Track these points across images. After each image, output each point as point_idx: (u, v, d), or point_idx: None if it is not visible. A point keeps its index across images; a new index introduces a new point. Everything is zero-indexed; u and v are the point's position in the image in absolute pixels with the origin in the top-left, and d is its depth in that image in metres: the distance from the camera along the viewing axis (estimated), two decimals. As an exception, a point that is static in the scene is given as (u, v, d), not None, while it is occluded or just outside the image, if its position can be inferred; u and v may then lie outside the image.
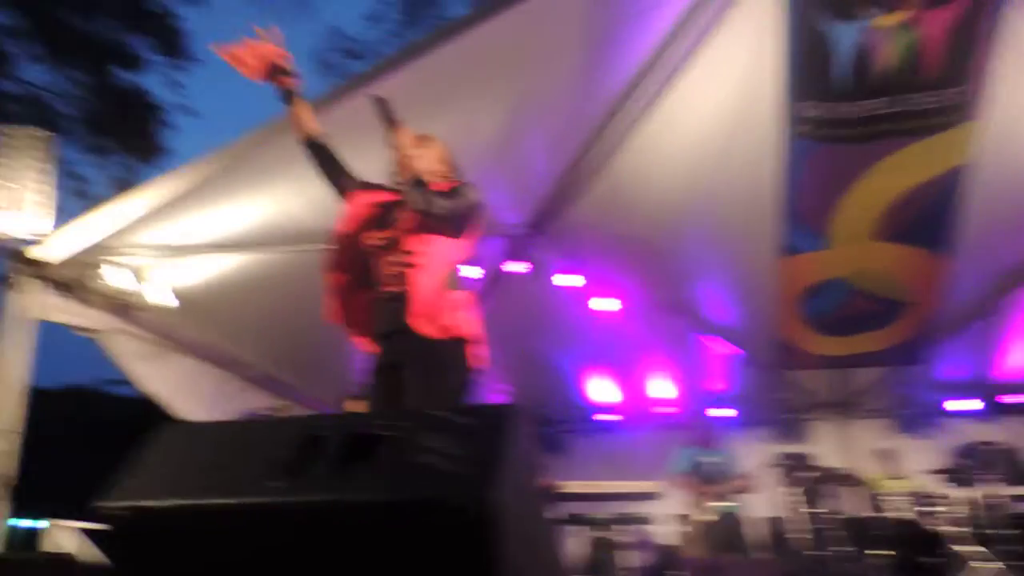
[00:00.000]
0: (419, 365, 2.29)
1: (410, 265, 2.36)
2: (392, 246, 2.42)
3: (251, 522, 1.34)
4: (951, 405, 7.13)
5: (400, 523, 1.30)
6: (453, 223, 2.41)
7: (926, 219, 4.98)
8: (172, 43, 15.76)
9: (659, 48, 4.44)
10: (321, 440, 1.45)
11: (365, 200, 2.52)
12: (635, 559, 6.16)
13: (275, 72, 2.42)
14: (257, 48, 2.39)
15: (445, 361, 2.30)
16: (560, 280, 6.08)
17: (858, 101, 4.28)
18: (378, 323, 2.44)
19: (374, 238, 2.46)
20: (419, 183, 2.34)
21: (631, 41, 4.33)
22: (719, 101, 4.70)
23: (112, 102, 15.01)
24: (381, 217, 2.48)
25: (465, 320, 2.40)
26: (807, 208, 4.98)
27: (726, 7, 4.22)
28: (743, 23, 4.27)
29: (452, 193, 2.43)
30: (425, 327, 2.30)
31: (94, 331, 4.56)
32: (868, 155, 4.60)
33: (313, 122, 2.55)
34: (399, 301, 2.33)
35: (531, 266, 6.18)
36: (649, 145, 5.10)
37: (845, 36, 4.02)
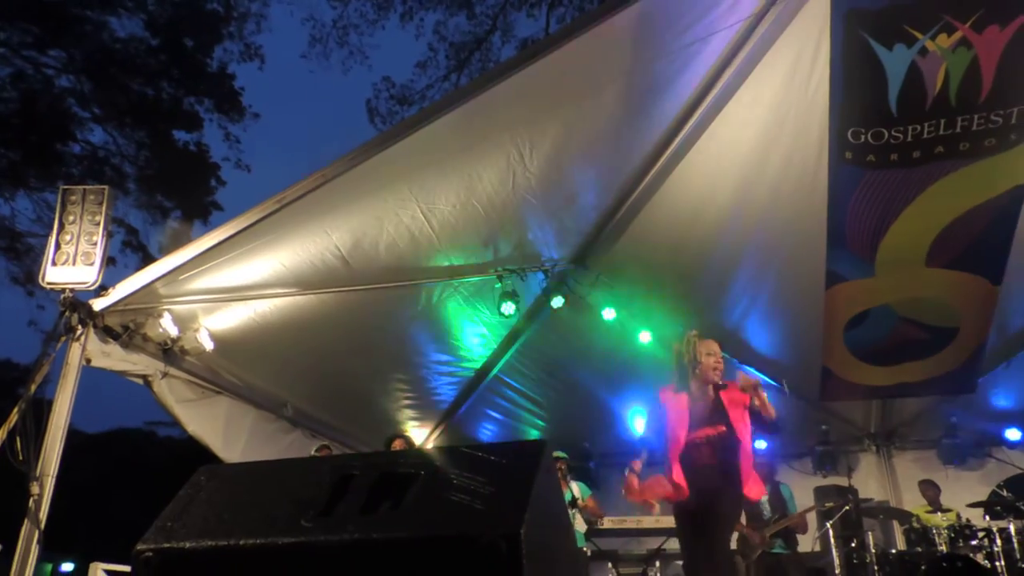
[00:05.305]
0: (726, 511, 3.53)
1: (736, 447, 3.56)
2: (713, 439, 3.60)
3: (285, 561, 1.36)
4: (999, 435, 6.92)
5: (432, 560, 1.30)
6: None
7: (981, 244, 4.80)
8: (230, 101, 16.47)
9: (706, 81, 4.46)
10: (353, 479, 1.47)
11: (677, 406, 3.70)
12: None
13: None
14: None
15: (740, 509, 3.73)
16: (604, 314, 6.06)
17: (910, 124, 4.19)
18: (696, 483, 3.54)
19: (697, 436, 3.63)
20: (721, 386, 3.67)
21: (677, 76, 4.35)
22: (767, 132, 4.68)
23: (172, 161, 15.69)
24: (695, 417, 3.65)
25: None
26: (854, 235, 4.87)
27: (772, 39, 4.23)
28: (790, 53, 4.27)
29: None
30: (749, 492, 3.55)
31: (141, 376, 4.69)
32: (921, 179, 4.46)
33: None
34: (719, 471, 3.53)
35: (572, 300, 6.16)
36: (696, 177, 5.08)
37: (898, 60, 3.95)
